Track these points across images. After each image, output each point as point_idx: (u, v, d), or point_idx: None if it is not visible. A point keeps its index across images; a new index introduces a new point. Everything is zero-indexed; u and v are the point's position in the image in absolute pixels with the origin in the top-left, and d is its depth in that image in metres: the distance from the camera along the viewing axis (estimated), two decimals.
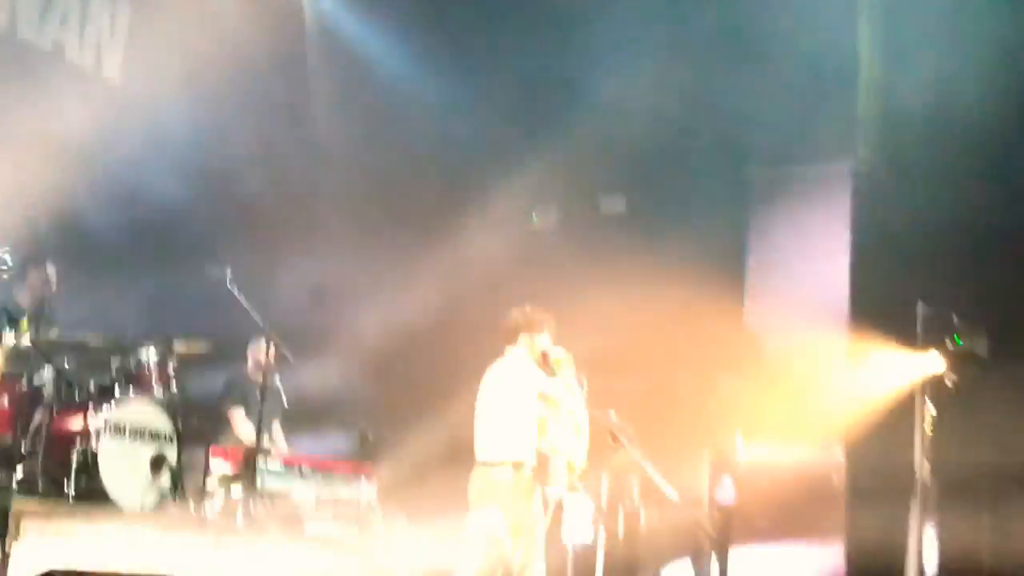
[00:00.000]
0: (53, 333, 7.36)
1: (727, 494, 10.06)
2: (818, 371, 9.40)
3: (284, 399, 9.11)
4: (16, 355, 6.57)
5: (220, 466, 8.09)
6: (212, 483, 7.82)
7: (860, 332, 9.39)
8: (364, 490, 8.39)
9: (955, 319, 9.15)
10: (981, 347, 9.20)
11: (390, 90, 9.81)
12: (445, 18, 9.94)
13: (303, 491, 8.18)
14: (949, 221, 9.49)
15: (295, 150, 9.86)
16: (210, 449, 7.95)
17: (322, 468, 8.36)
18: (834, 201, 10.02)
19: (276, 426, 9.08)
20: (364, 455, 9.33)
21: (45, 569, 5.73)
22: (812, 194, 10.23)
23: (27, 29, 8.89)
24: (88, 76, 9.27)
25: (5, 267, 6.54)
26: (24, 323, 5.21)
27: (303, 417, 9.31)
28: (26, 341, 6.19)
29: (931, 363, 9.14)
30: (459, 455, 7.24)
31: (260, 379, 8.54)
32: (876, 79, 10.16)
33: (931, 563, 9.16)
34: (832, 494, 9.62)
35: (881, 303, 9.46)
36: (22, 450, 6.73)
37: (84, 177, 8.21)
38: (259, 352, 9.00)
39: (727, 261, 10.22)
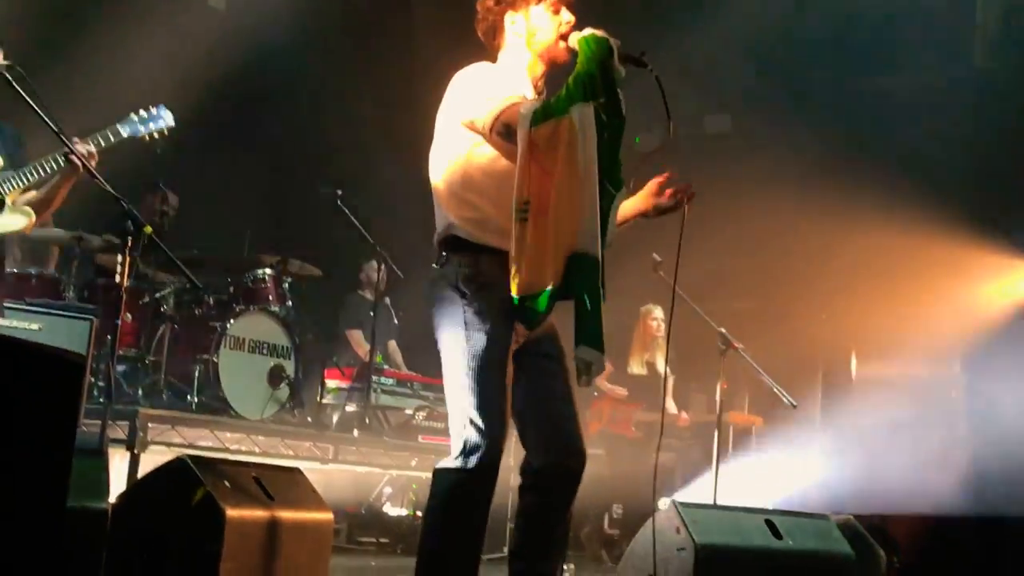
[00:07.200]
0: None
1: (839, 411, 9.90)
2: (933, 286, 9.14)
3: (395, 319, 9.23)
4: (139, 269, 6.72)
5: (335, 383, 8.27)
6: (328, 397, 7.98)
7: (976, 244, 9.11)
8: None
9: None
10: None
11: None
12: None
13: (415, 405, 8.31)
14: None
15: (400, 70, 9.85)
16: (325, 372, 8.09)
17: (434, 384, 8.46)
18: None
19: (393, 345, 9.21)
20: None
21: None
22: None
23: None
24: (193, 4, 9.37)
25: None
26: (148, 229, 5.29)
27: (417, 336, 9.38)
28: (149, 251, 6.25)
29: None
30: None
31: (373, 299, 8.63)
32: None
33: None
34: (952, 410, 9.39)
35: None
36: (146, 361, 6.92)
37: (198, 101, 8.28)
38: (372, 272, 9.14)
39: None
